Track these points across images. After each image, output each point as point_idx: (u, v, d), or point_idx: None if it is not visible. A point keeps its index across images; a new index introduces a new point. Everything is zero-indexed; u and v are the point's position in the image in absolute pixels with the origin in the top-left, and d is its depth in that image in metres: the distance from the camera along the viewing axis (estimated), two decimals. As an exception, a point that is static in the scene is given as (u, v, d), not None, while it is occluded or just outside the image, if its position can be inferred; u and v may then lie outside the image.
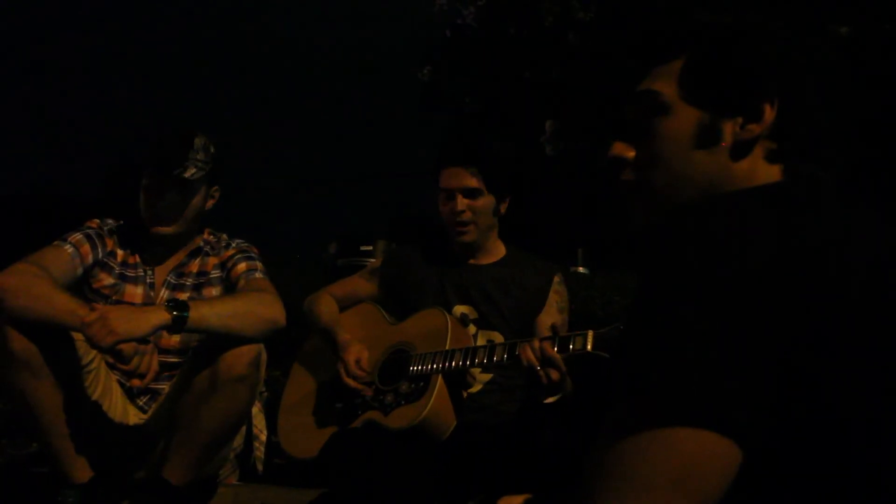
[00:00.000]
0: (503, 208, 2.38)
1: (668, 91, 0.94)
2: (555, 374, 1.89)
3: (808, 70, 0.92)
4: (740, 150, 0.90)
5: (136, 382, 2.06)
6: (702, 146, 0.91)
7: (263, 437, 2.50)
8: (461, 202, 2.27)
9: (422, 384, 2.09)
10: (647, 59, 1.00)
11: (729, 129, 0.90)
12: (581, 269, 7.04)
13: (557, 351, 1.91)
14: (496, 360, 2.03)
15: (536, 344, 1.92)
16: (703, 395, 0.67)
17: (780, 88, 0.90)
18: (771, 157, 0.90)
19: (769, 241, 0.72)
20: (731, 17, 0.95)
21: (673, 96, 0.94)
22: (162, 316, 1.92)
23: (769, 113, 0.89)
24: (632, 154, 0.99)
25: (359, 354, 2.21)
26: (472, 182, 2.28)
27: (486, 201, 2.30)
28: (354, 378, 2.18)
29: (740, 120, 0.90)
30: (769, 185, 0.88)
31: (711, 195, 0.89)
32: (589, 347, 1.86)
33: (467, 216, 2.28)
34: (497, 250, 2.42)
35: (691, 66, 0.94)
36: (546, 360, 1.88)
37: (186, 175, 2.21)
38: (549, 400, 1.96)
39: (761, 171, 0.90)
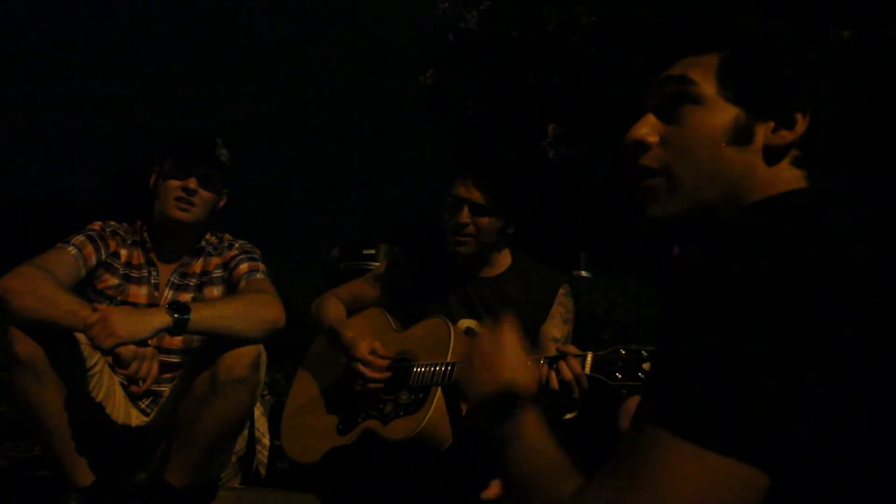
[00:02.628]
0: (510, 231, 2.31)
1: (704, 83, 0.93)
2: (578, 392, 1.86)
3: (840, 86, 0.93)
4: (770, 154, 0.90)
5: (134, 388, 2.06)
6: (733, 143, 0.91)
7: (266, 441, 2.50)
8: (465, 214, 2.20)
9: (421, 395, 2.07)
10: (683, 47, 0.98)
11: (761, 132, 0.90)
12: (584, 273, 7.02)
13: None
14: None
15: (566, 365, 1.87)
16: (738, 426, 0.66)
17: (814, 100, 0.90)
18: (796, 163, 0.90)
19: (807, 263, 0.70)
20: (776, 22, 0.95)
21: (710, 89, 0.93)
22: (163, 318, 1.92)
23: (801, 123, 0.89)
24: (654, 139, 0.97)
25: (372, 345, 2.18)
26: (482, 199, 2.20)
27: (490, 221, 2.23)
28: (375, 367, 2.15)
29: (772, 124, 0.90)
30: (797, 194, 0.87)
31: (744, 208, 0.88)
32: (587, 370, 1.84)
33: (470, 230, 2.22)
34: (502, 261, 2.37)
35: (732, 64, 0.93)
36: (575, 379, 1.85)
37: (217, 153, 2.33)
38: (569, 416, 1.95)
39: (785, 175, 0.90)
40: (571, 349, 1.91)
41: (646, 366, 1.74)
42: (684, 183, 0.93)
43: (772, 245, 0.73)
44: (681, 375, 0.70)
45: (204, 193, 2.31)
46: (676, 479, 0.68)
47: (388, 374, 2.16)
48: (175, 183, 2.28)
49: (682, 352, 0.72)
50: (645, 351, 1.77)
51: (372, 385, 2.17)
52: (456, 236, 2.24)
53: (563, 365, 1.86)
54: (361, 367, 2.16)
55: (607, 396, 1.84)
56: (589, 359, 1.85)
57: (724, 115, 0.92)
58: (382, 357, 2.18)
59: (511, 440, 0.96)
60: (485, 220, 2.22)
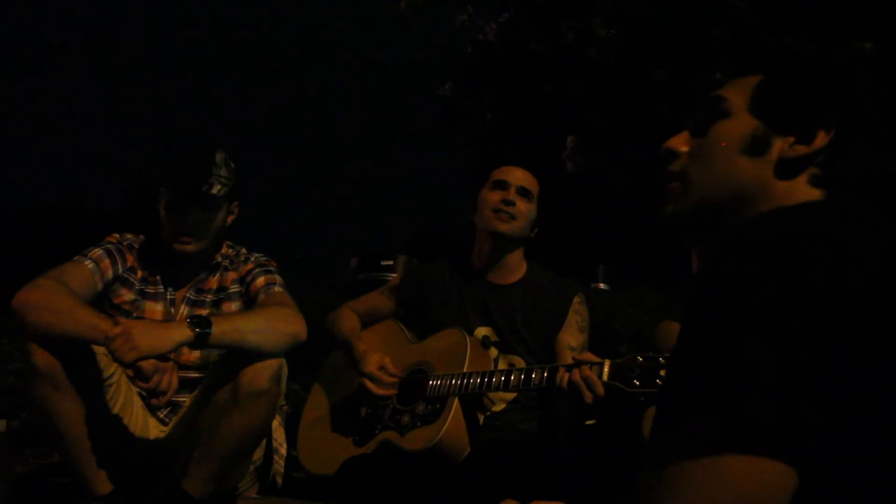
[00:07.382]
0: (535, 231, 2.41)
1: (736, 98, 0.97)
2: (591, 397, 1.86)
3: (870, 109, 0.93)
4: (783, 167, 0.91)
5: (154, 402, 2.07)
6: (747, 153, 0.93)
7: (283, 451, 2.50)
8: (513, 193, 2.33)
9: (438, 406, 2.07)
10: (734, 72, 1.02)
11: (778, 146, 0.92)
12: (602, 286, 6.99)
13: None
14: (512, 385, 2.02)
15: (579, 372, 1.89)
16: (767, 421, 0.65)
17: (839, 120, 0.90)
18: (814, 182, 0.90)
19: (831, 264, 0.70)
20: (815, 44, 0.97)
21: (739, 104, 0.96)
22: (184, 332, 1.93)
23: (821, 139, 0.90)
24: (685, 149, 1.02)
25: (381, 361, 2.20)
26: (532, 186, 2.36)
27: (532, 209, 2.36)
28: (381, 384, 2.16)
29: (791, 139, 0.92)
30: (815, 205, 0.87)
31: (760, 215, 0.87)
32: (605, 377, 1.85)
33: (514, 210, 2.32)
34: (519, 269, 2.41)
35: (766, 85, 0.96)
36: (589, 385, 1.86)
37: (213, 192, 2.24)
38: (589, 422, 1.96)
39: (800, 192, 0.90)
40: (588, 356, 1.91)
41: (663, 372, 1.75)
42: (694, 183, 0.98)
43: (788, 252, 0.72)
44: (690, 381, 0.70)
45: (205, 222, 2.27)
46: (705, 488, 0.66)
47: (394, 392, 2.16)
48: (172, 219, 2.26)
49: (691, 357, 0.71)
50: (662, 358, 1.78)
51: (380, 402, 2.18)
52: (501, 214, 2.32)
53: (576, 372, 1.87)
54: (368, 383, 2.18)
55: (630, 402, 1.84)
56: (606, 367, 1.87)
57: (744, 125, 0.95)
58: (391, 374, 2.18)
59: None
60: (527, 206, 2.35)
